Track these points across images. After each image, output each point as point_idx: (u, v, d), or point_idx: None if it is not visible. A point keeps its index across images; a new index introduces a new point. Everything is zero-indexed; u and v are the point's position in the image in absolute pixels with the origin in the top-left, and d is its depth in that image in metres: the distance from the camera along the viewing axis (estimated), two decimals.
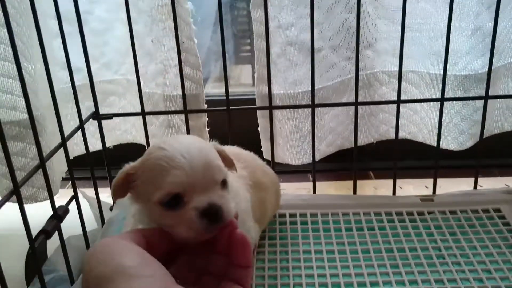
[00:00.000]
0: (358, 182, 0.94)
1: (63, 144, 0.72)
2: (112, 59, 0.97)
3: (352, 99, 0.89)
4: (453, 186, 0.93)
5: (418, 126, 1.01)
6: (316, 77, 0.86)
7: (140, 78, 0.86)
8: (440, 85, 0.86)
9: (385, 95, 0.98)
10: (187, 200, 0.47)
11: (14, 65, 0.72)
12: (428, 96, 0.97)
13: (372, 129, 1.03)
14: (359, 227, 0.83)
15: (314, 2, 0.80)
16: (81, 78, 0.88)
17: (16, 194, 0.57)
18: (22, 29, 0.74)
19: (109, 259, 0.38)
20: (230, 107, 0.86)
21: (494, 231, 0.80)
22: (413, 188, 1.05)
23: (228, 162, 0.56)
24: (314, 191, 0.94)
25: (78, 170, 0.78)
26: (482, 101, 0.88)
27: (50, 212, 0.70)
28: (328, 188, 1.08)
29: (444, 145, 0.98)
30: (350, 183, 0.95)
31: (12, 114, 0.76)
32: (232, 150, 0.73)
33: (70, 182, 0.76)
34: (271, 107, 0.88)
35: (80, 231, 0.78)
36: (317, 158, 0.98)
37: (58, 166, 0.86)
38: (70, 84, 0.80)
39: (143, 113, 0.88)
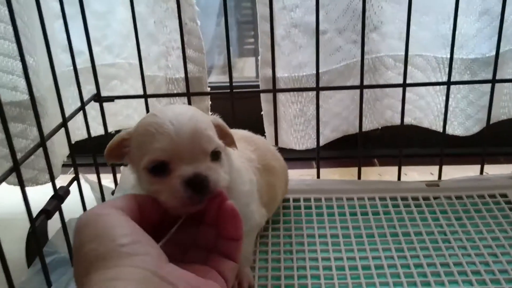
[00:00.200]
0: (363, 169, 0.93)
1: (64, 124, 0.71)
2: (114, 42, 0.96)
3: (357, 83, 0.88)
4: (458, 173, 0.92)
5: (424, 111, 1.00)
6: (320, 60, 0.84)
7: (142, 61, 0.85)
8: (447, 69, 0.85)
9: (390, 79, 0.97)
10: (172, 168, 0.46)
11: (15, 45, 0.71)
12: (434, 80, 0.95)
13: (377, 114, 1.01)
14: (363, 211, 0.82)
15: None
16: (82, 61, 0.87)
17: (16, 171, 0.56)
18: (23, 8, 0.73)
19: (102, 236, 0.37)
20: (234, 91, 0.85)
21: (501, 216, 0.79)
22: (418, 174, 1.04)
23: (228, 138, 0.54)
24: (318, 176, 0.93)
25: (80, 157, 0.77)
26: (489, 85, 0.87)
27: (51, 196, 0.70)
28: (333, 175, 1.06)
29: (450, 130, 0.97)
30: (354, 169, 0.94)
31: (12, 94, 0.76)
32: (243, 133, 0.72)
33: (72, 169, 0.76)
34: (275, 90, 0.87)
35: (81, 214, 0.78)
36: (322, 143, 0.97)
37: (59, 149, 0.85)
38: (71, 67, 0.79)
39: (145, 96, 0.87)
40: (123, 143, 0.50)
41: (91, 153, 0.84)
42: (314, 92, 0.87)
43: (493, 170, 0.98)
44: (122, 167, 0.92)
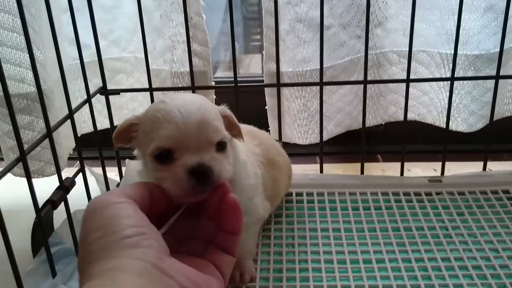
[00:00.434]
0: (366, 165, 0.93)
1: (70, 116, 0.72)
2: (120, 36, 0.97)
3: (361, 79, 0.88)
4: (461, 170, 0.93)
5: (428, 107, 1.00)
6: (325, 55, 0.85)
7: (148, 54, 0.86)
8: (451, 65, 0.85)
9: (394, 75, 0.97)
10: (177, 156, 0.46)
11: (22, 37, 0.72)
12: (438, 76, 0.95)
13: (380, 110, 1.02)
14: (365, 206, 0.83)
15: None
16: (89, 55, 0.88)
17: (22, 161, 0.57)
18: (31, 1, 0.73)
19: (107, 226, 0.37)
20: (238, 85, 0.86)
21: (503, 212, 0.80)
22: (421, 170, 1.04)
23: (235, 129, 0.54)
24: (321, 171, 0.94)
25: (86, 150, 0.78)
26: (493, 81, 0.87)
27: (57, 187, 0.71)
28: (336, 170, 1.07)
29: (453, 126, 0.97)
30: (357, 165, 0.94)
31: (20, 86, 0.76)
32: (247, 128, 0.72)
33: (78, 162, 0.77)
34: (279, 85, 0.87)
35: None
36: (325, 138, 0.97)
37: (65, 141, 0.86)
38: (78, 61, 0.79)
39: (151, 89, 0.88)
40: (131, 127, 0.51)
41: (97, 146, 0.84)
42: (318, 87, 0.88)
43: (496, 166, 0.99)
44: (127, 160, 0.93)
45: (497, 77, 0.86)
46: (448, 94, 0.87)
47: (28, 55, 0.73)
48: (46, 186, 0.72)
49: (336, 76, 0.94)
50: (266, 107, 0.97)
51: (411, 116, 1.01)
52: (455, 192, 0.86)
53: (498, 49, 0.84)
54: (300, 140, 0.98)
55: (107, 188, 0.87)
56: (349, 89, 0.97)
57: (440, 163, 0.92)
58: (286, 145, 0.90)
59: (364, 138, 0.90)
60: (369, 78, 0.89)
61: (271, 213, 0.80)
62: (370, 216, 0.80)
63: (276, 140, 0.81)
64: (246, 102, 0.89)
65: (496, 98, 0.87)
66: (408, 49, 0.83)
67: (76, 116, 0.75)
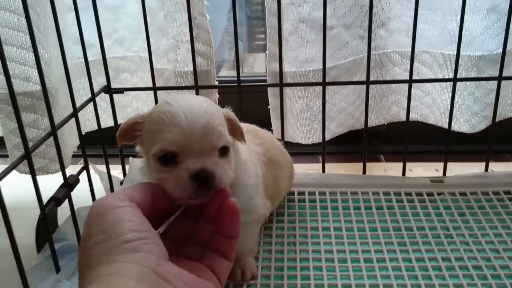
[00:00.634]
0: (368, 165, 0.93)
1: (74, 114, 0.73)
2: (124, 35, 0.98)
3: (363, 79, 0.88)
4: (463, 170, 0.93)
5: (430, 108, 1.00)
6: (327, 55, 0.85)
7: (152, 54, 0.86)
8: (453, 66, 0.85)
9: (397, 76, 0.98)
10: (181, 160, 0.47)
11: (27, 36, 0.73)
12: (441, 77, 0.96)
13: (383, 110, 1.02)
14: (367, 206, 0.83)
15: None
16: (93, 54, 0.89)
17: (27, 158, 0.58)
18: (36, 0, 0.74)
19: (109, 230, 0.38)
20: (241, 84, 0.86)
21: (504, 213, 0.80)
22: (423, 171, 1.04)
23: (238, 132, 0.55)
24: (324, 170, 0.94)
25: (90, 148, 0.79)
26: (496, 82, 0.87)
27: (61, 184, 0.72)
28: (338, 170, 1.07)
29: (456, 127, 0.97)
30: (360, 165, 0.95)
31: (25, 85, 0.77)
32: (249, 127, 0.72)
33: (81, 159, 0.77)
34: (281, 84, 0.88)
35: (90, 204, 0.79)
36: (328, 137, 0.98)
37: (69, 140, 0.87)
38: (82, 60, 0.80)
39: (154, 88, 0.89)
40: (135, 126, 0.51)
41: (101, 144, 0.85)
42: (321, 87, 0.88)
43: (498, 167, 0.99)
44: (130, 158, 0.93)
45: (500, 78, 0.86)
46: (450, 94, 0.87)
47: (33, 54, 0.74)
48: (50, 184, 0.72)
49: (338, 76, 0.95)
50: (269, 107, 0.97)
51: (413, 116, 1.02)
52: (456, 193, 0.86)
53: (501, 50, 0.84)
54: (302, 139, 0.99)
55: (111, 185, 0.88)
56: (352, 89, 0.98)
57: (442, 164, 0.92)
58: (289, 145, 0.91)
59: (366, 138, 0.90)
60: (371, 78, 0.90)
61: (272, 212, 0.80)
62: (372, 216, 0.80)
63: (278, 139, 0.81)
64: (249, 101, 0.89)
65: (498, 99, 0.88)
66: (410, 50, 0.84)
67: (80, 114, 0.76)
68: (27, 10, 0.60)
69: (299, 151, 1.09)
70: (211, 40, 0.90)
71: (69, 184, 0.70)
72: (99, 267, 0.36)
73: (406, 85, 0.88)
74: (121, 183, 0.91)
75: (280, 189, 0.76)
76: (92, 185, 0.78)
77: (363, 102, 0.89)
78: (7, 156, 0.88)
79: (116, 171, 0.93)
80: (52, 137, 0.67)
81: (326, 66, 0.86)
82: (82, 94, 0.94)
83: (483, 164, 0.93)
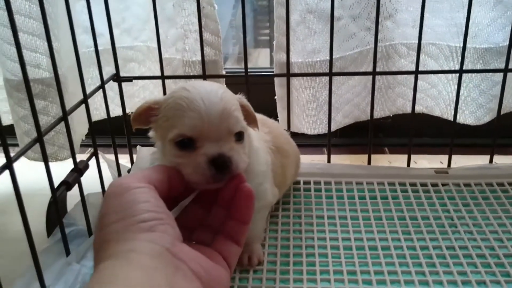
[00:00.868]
0: (373, 157, 0.94)
1: (84, 100, 0.73)
2: (133, 25, 0.98)
3: (370, 70, 0.89)
4: (468, 163, 0.93)
5: (436, 100, 1.00)
6: (334, 46, 0.86)
7: (160, 43, 0.87)
8: (460, 58, 0.86)
9: (403, 67, 0.98)
10: (199, 145, 0.48)
11: (38, 23, 0.74)
12: (447, 69, 0.96)
13: (388, 102, 1.02)
14: (372, 196, 0.84)
15: None
16: (101, 43, 0.89)
17: (39, 141, 0.59)
18: None
19: (126, 209, 0.39)
20: (248, 74, 0.87)
21: (508, 204, 0.81)
22: (428, 163, 1.05)
23: (251, 118, 0.56)
24: (329, 161, 0.95)
25: (98, 137, 0.80)
26: (501, 75, 0.87)
27: (71, 169, 0.73)
28: (343, 161, 1.08)
29: (461, 119, 0.98)
30: (365, 157, 0.95)
31: (35, 72, 0.78)
32: (257, 116, 0.73)
33: (90, 148, 0.78)
34: (288, 74, 0.88)
35: (99, 189, 0.80)
36: (333, 128, 0.98)
37: (78, 128, 0.88)
38: (91, 48, 0.81)
39: (163, 77, 0.89)
40: (150, 111, 0.52)
41: (109, 134, 0.86)
42: (327, 78, 0.89)
43: (502, 160, 0.99)
44: (138, 147, 0.94)
45: (506, 71, 0.86)
46: (456, 87, 0.88)
47: (43, 41, 0.75)
48: (59, 171, 0.73)
49: (345, 67, 0.95)
50: (276, 97, 0.98)
51: (419, 108, 1.02)
52: (461, 184, 0.86)
53: (507, 43, 0.84)
54: (308, 130, 1.00)
55: (119, 174, 0.89)
56: (358, 81, 0.98)
57: (446, 156, 0.93)
58: (295, 135, 0.91)
59: (372, 129, 0.91)
60: (378, 70, 0.90)
61: (278, 201, 0.81)
62: (377, 205, 0.81)
63: (285, 129, 0.82)
64: (256, 92, 0.90)
65: (504, 92, 0.88)
66: (417, 42, 0.84)
67: (89, 102, 0.77)
68: None
69: (304, 143, 1.09)
70: (219, 30, 0.91)
71: (79, 169, 0.71)
72: (116, 243, 0.37)
73: (412, 77, 0.89)
74: (129, 171, 0.92)
75: (286, 177, 0.77)
76: (101, 171, 0.79)
77: (369, 94, 0.90)
78: (14, 145, 0.89)
79: (123, 160, 0.94)
80: (61, 125, 0.68)
81: (333, 57, 0.86)
82: (90, 83, 0.95)
83: (487, 157, 0.94)
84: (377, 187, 0.86)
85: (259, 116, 0.74)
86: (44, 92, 0.80)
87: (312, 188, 0.87)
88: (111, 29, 0.84)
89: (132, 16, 0.97)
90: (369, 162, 0.94)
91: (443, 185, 0.87)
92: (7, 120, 0.92)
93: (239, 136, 0.50)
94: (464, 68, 0.86)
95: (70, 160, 0.73)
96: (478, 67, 0.93)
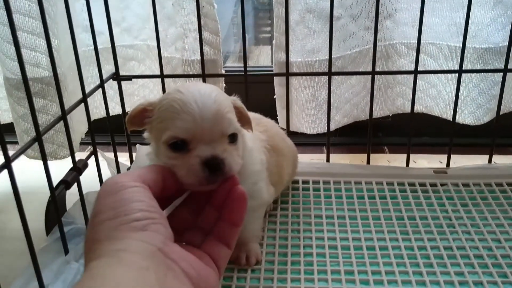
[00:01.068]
0: (372, 156, 0.94)
1: (84, 99, 0.74)
2: (132, 24, 0.98)
3: (369, 70, 0.89)
4: (467, 163, 0.93)
5: (435, 99, 1.00)
6: (334, 46, 0.86)
7: (160, 42, 0.87)
8: (459, 58, 0.86)
9: (403, 67, 0.98)
10: (192, 147, 0.48)
11: (38, 22, 0.74)
12: (446, 69, 0.96)
13: (388, 101, 1.03)
14: (371, 195, 0.84)
15: None
16: (101, 42, 0.90)
17: (38, 141, 0.59)
18: None
19: (119, 208, 0.39)
20: (247, 74, 0.87)
21: (506, 204, 0.81)
22: (427, 162, 1.05)
23: (245, 120, 0.56)
24: (328, 160, 0.95)
25: (97, 136, 0.80)
26: (501, 75, 0.87)
27: (70, 168, 0.73)
28: (342, 161, 1.08)
29: (460, 119, 0.98)
30: (364, 156, 0.95)
31: (35, 70, 0.78)
32: (253, 115, 0.73)
33: (89, 147, 0.78)
34: (287, 74, 0.88)
35: (98, 188, 0.80)
36: (332, 128, 0.99)
37: (77, 126, 0.88)
38: (90, 47, 0.81)
39: (162, 76, 0.90)
40: (144, 113, 0.52)
41: (109, 132, 0.86)
42: (326, 77, 0.89)
43: (502, 160, 1.00)
44: (137, 145, 0.94)
45: (505, 71, 0.86)
46: (455, 86, 0.88)
47: (42, 40, 0.75)
48: (58, 170, 0.74)
49: (344, 67, 0.95)
50: (275, 96, 0.98)
51: (418, 108, 1.02)
52: (460, 184, 0.87)
53: (507, 43, 0.84)
54: (307, 129, 1.00)
55: (118, 172, 0.89)
56: (357, 80, 0.98)
57: (445, 156, 0.93)
58: (294, 135, 0.92)
59: (371, 128, 0.91)
60: (377, 69, 0.90)
61: (276, 200, 0.82)
62: (375, 205, 0.81)
63: (281, 128, 0.82)
64: (255, 91, 0.90)
65: (503, 92, 0.88)
66: (417, 41, 0.84)
67: (88, 101, 0.77)
68: None
69: (303, 142, 1.10)
70: (219, 29, 0.91)
71: (78, 168, 0.71)
72: (107, 242, 0.37)
73: (411, 77, 0.89)
74: (128, 170, 0.92)
75: (283, 176, 0.77)
76: (100, 169, 0.79)
77: (369, 93, 0.90)
78: (14, 143, 0.89)
79: (123, 158, 0.94)
80: (60, 124, 0.68)
81: (332, 57, 0.86)
82: (90, 82, 0.95)
83: (486, 157, 0.94)
84: (376, 187, 0.86)
85: (255, 115, 0.75)
86: (44, 91, 0.80)
87: (310, 187, 0.87)
88: (110, 28, 0.84)
89: (132, 15, 0.97)
90: (368, 162, 0.94)
91: (441, 185, 0.87)
92: (7, 118, 0.93)
93: (233, 138, 0.51)
94: (463, 68, 0.86)
95: (70, 159, 0.73)
96: (478, 67, 0.93)
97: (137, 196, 0.40)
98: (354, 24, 0.93)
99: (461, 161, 0.95)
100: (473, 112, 0.97)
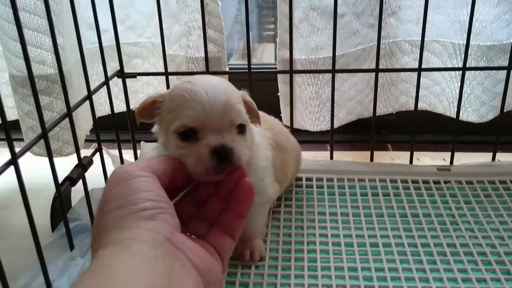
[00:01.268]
0: (376, 153, 0.94)
1: (89, 97, 0.74)
2: (137, 21, 0.99)
3: (373, 67, 0.89)
4: (470, 161, 0.93)
5: (439, 97, 1.00)
6: (337, 43, 0.86)
7: (164, 40, 0.87)
8: (463, 56, 0.86)
9: (406, 65, 0.98)
10: (201, 136, 0.48)
11: (44, 20, 0.74)
12: (450, 67, 0.96)
13: (392, 99, 1.03)
14: (374, 193, 0.84)
15: None
16: (105, 39, 0.90)
17: (44, 137, 0.59)
18: None
19: (127, 197, 0.39)
20: (251, 71, 0.88)
21: (510, 201, 0.81)
22: (430, 160, 1.05)
23: (254, 114, 0.57)
24: (332, 157, 0.95)
25: (102, 133, 0.80)
26: (505, 72, 0.87)
27: (76, 165, 0.74)
28: (346, 158, 1.08)
29: (464, 117, 0.98)
30: (367, 153, 0.96)
31: (40, 68, 0.79)
32: None
33: (94, 144, 0.79)
34: (291, 71, 0.89)
35: (103, 185, 0.81)
36: (336, 125, 0.99)
37: (82, 124, 0.89)
38: (96, 45, 0.82)
39: (166, 73, 0.90)
40: (154, 104, 0.53)
41: (113, 129, 0.87)
42: (330, 75, 0.89)
43: (506, 158, 0.99)
44: (142, 142, 0.95)
45: (509, 68, 0.86)
46: (459, 84, 0.88)
47: (48, 38, 0.75)
48: (63, 167, 0.74)
49: (348, 64, 0.95)
50: (279, 94, 0.98)
51: (422, 105, 1.02)
52: (463, 181, 0.87)
53: (511, 40, 0.84)
54: (311, 127, 1.00)
55: None
56: (361, 78, 0.98)
57: (449, 153, 0.93)
58: (297, 132, 0.92)
59: (374, 126, 0.91)
60: (381, 67, 0.90)
61: (280, 197, 0.82)
62: (378, 202, 0.82)
63: (285, 126, 0.82)
64: (259, 89, 0.90)
65: (507, 89, 0.88)
66: (420, 39, 0.84)
67: (93, 98, 0.77)
68: None
69: (307, 139, 1.10)
70: (223, 26, 0.91)
71: (83, 165, 0.72)
72: (115, 231, 0.37)
73: (415, 74, 0.89)
74: None
75: (287, 173, 0.77)
76: (105, 166, 0.80)
77: (372, 91, 0.90)
78: (20, 140, 0.90)
79: (127, 155, 0.95)
80: (65, 121, 0.69)
81: (336, 54, 0.86)
82: (95, 79, 0.95)
83: (490, 155, 0.94)
84: (379, 184, 0.87)
85: (259, 113, 0.75)
86: (49, 88, 0.80)
87: (314, 184, 0.87)
88: (115, 26, 0.84)
89: (136, 12, 0.97)
90: (371, 159, 0.94)
91: (445, 182, 0.87)
92: (12, 116, 0.93)
93: (241, 129, 0.51)
94: (467, 65, 0.86)
95: (75, 156, 0.74)
96: (482, 64, 0.93)
97: (145, 185, 0.40)
98: (358, 21, 0.93)
99: (465, 159, 0.95)
100: (477, 109, 0.97)
